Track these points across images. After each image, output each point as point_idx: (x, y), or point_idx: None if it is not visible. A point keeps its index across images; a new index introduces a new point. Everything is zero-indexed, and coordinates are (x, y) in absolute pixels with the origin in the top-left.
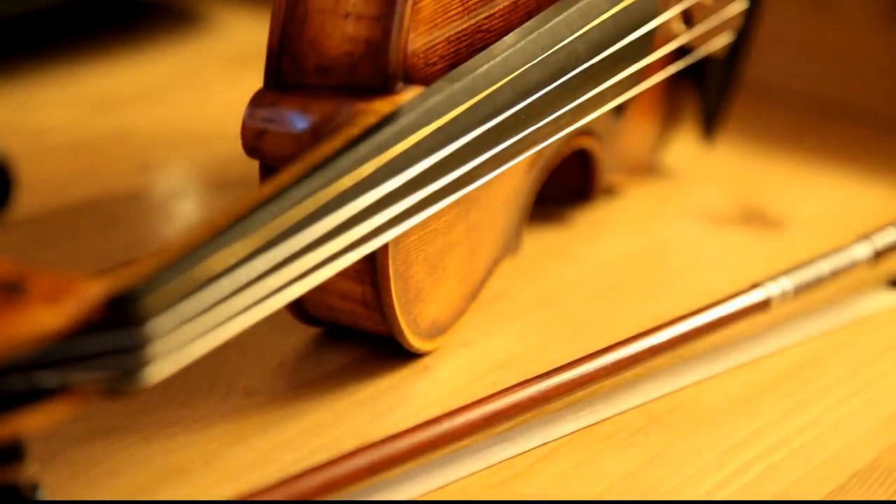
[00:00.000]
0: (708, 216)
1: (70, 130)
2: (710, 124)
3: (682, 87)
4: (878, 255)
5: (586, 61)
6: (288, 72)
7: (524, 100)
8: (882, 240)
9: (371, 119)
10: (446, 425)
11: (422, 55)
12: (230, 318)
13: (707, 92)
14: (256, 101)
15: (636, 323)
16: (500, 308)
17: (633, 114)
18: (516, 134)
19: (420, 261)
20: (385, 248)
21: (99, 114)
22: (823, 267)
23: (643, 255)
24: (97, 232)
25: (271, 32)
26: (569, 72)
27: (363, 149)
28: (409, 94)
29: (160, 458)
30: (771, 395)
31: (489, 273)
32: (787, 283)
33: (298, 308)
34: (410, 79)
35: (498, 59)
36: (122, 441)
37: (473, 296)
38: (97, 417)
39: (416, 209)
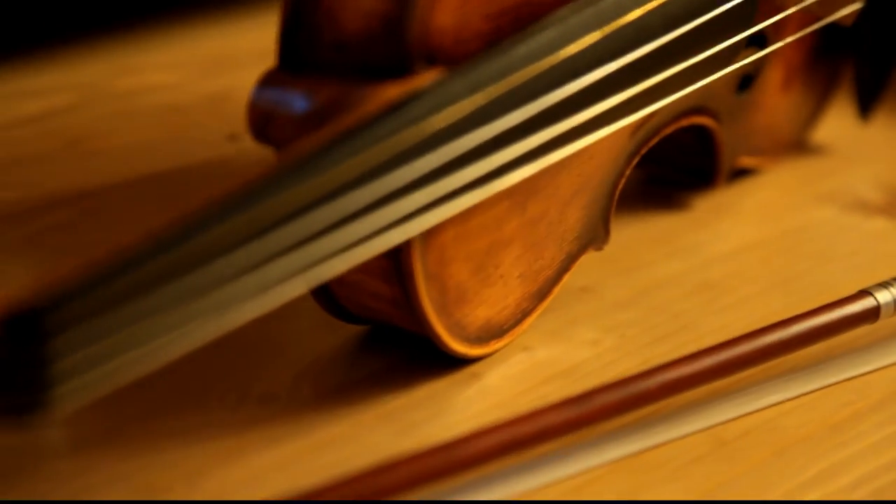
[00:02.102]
0: (850, 203)
1: (168, 94)
2: (867, 99)
3: (837, 58)
4: None
5: (659, 37)
6: (304, 48)
7: (574, 81)
8: None
9: (375, 105)
10: (459, 450)
11: (451, 32)
12: (170, 333)
13: (864, 63)
14: (265, 81)
15: (734, 328)
16: (580, 306)
17: (770, 88)
18: (564, 120)
19: (461, 259)
20: (409, 246)
21: (206, 77)
22: None
23: (763, 246)
24: (171, 201)
25: (285, 1)
26: (637, 49)
27: (361, 140)
28: (428, 77)
29: (142, 476)
30: (864, 423)
31: (564, 270)
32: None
33: (336, 305)
34: (437, 59)
35: (543, 34)
36: (109, 453)
37: (543, 294)
38: (91, 424)
39: (434, 204)
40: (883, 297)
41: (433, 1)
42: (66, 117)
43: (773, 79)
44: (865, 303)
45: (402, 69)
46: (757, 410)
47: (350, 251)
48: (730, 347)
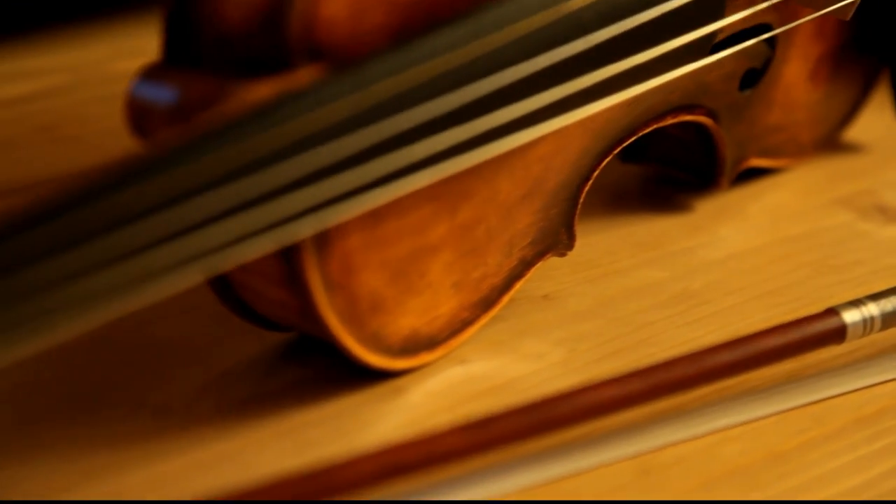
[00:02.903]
0: (869, 209)
1: None
2: None
3: (874, 54)
4: None
5: (593, 31)
6: (186, 40)
7: (490, 77)
8: None
9: (240, 104)
10: (325, 477)
11: (344, 25)
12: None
13: None
14: (145, 74)
15: (700, 343)
16: (536, 316)
17: (785, 85)
18: (475, 121)
19: (374, 267)
20: (300, 253)
21: None
22: None
23: (758, 254)
24: None
25: None
26: (569, 44)
27: (216, 139)
28: (308, 74)
29: None
30: (814, 453)
31: (516, 277)
32: (872, 310)
33: (251, 312)
34: (325, 54)
35: (459, 26)
36: None
37: (488, 303)
38: None
39: (317, 208)
40: (851, 316)
41: None
42: (56, 99)
43: (788, 75)
44: (830, 322)
45: (280, 64)
46: (695, 437)
47: (224, 251)
48: (666, 369)
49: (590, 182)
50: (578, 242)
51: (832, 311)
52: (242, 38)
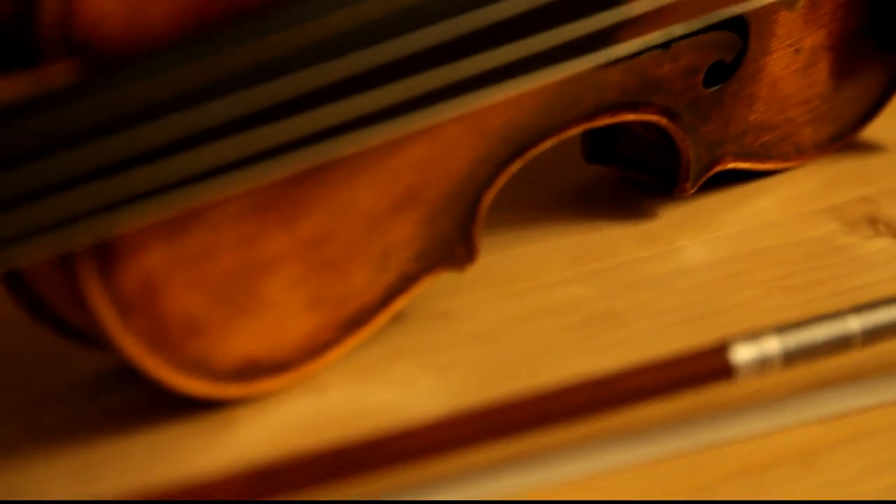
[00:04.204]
0: (859, 219)
1: None
2: None
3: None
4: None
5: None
6: None
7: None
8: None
9: None
10: None
11: (119, 18)
12: None
13: None
14: None
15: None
16: (422, 336)
17: (770, 80)
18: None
19: (185, 286)
20: (77, 274)
21: None
22: (852, 326)
23: (709, 270)
24: None
25: None
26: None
27: None
28: (60, 71)
29: None
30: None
31: (394, 293)
32: (772, 346)
33: (66, 328)
34: (89, 50)
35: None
36: None
37: (356, 323)
38: None
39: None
40: (745, 352)
41: None
42: None
43: (773, 68)
44: (718, 358)
45: (29, 59)
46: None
47: None
48: (508, 409)
49: (492, 189)
50: (505, 255)
51: (722, 347)
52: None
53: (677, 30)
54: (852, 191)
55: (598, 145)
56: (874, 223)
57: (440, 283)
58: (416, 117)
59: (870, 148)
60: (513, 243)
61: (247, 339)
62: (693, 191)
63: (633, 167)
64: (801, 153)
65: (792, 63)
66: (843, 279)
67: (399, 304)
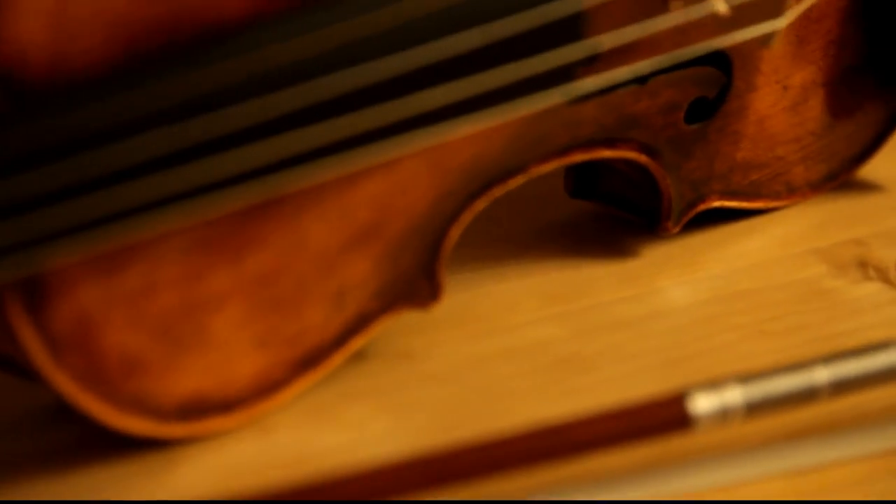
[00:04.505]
0: (850, 262)
1: None
2: None
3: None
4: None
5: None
6: None
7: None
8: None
9: None
10: None
11: (43, 49)
12: None
13: None
14: None
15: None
16: (381, 377)
17: (758, 117)
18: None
19: (122, 323)
20: (5, 306)
21: None
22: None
23: (686, 313)
24: None
25: None
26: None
27: None
28: None
29: None
30: None
31: (351, 332)
32: (734, 396)
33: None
34: (11, 81)
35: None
36: None
37: (310, 362)
38: None
39: None
40: (705, 402)
41: None
42: None
43: (759, 104)
44: (675, 408)
45: None
46: None
47: None
48: (463, 454)
49: (457, 225)
50: (476, 293)
51: (680, 397)
52: None
53: (645, 66)
54: (844, 232)
55: (581, 180)
56: (864, 266)
57: (404, 322)
58: (365, 153)
59: (865, 187)
60: (486, 281)
61: (192, 377)
62: (677, 230)
63: (615, 204)
64: (793, 192)
65: (780, 100)
66: (826, 324)
67: (357, 344)
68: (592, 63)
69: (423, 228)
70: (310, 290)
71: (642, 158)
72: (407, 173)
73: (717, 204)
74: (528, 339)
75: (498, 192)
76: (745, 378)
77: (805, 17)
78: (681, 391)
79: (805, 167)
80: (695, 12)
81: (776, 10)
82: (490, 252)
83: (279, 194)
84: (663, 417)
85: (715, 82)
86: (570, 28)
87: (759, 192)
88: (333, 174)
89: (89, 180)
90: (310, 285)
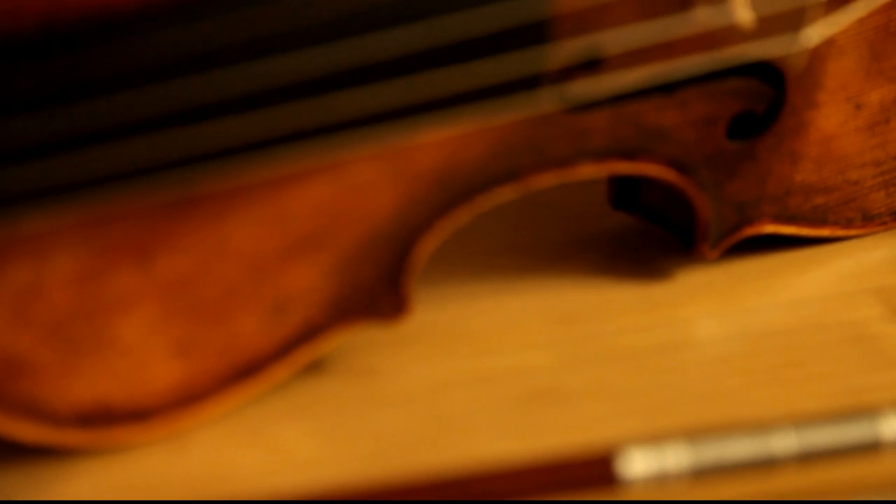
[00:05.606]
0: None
1: None
2: None
3: None
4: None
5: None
6: None
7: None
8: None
9: None
10: None
11: None
12: None
13: None
14: None
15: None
16: (334, 395)
17: (820, 135)
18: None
19: (8, 321)
20: None
21: None
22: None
23: (705, 349)
24: None
25: None
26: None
27: None
28: None
29: None
30: None
31: (295, 344)
32: (679, 458)
33: None
34: None
35: None
36: None
37: (245, 373)
38: None
39: None
40: (642, 463)
41: None
42: None
43: (824, 124)
44: (600, 467)
45: None
46: None
47: None
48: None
49: (429, 236)
50: (470, 309)
51: (607, 457)
52: None
53: (657, 75)
54: None
55: (623, 190)
56: None
57: (376, 337)
58: (288, 153)
59: None
60: (487, 296)
61: (93, 382)
62: (715, 254)
63: (654, 219)
64: (870, 220)
65: (851, 119)
66: (855, 375)
67: (305, 356)
68: (594, 68)
69: (385, 238)
70: (241, 298)
71: (670, 175)
72: (362, 178)
73: (770, 229)
74: (508, 365)
75: (485, 202)
76: (693, 437)
77: (882, 30)
78: (610, 450)
79: (887, 193)
80: (717, 18)
81: (794, 23)
82: (505, 263)
83: (191, 194)
84: (588, 476)
85: (761, 96)
86: (532, 30)
87: (825, 218)
88: (258, 175)
89: None
90: (240, 293)
